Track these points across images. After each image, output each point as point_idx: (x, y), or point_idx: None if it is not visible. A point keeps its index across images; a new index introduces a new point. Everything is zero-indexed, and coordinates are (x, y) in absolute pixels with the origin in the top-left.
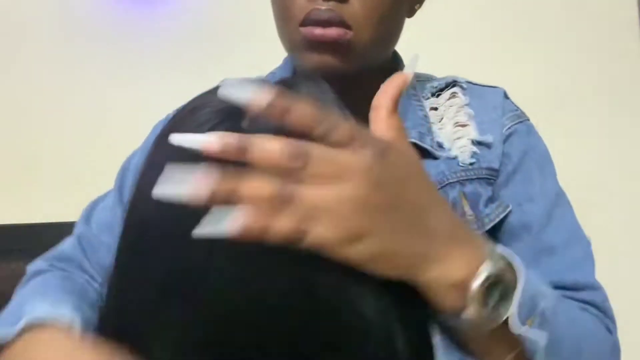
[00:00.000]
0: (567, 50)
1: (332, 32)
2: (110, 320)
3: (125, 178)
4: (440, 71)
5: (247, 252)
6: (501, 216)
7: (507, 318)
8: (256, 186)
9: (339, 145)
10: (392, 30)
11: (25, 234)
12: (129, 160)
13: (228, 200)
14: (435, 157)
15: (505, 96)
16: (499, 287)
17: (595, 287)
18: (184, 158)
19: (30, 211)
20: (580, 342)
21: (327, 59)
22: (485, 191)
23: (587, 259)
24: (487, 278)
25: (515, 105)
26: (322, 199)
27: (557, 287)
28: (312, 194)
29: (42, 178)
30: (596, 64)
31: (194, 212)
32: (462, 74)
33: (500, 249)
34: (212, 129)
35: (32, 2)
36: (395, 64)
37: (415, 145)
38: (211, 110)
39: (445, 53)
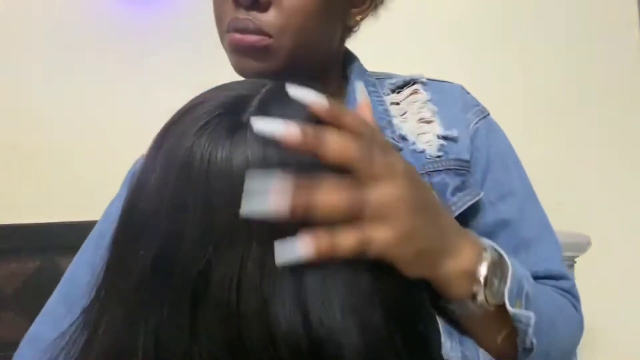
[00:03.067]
0: (567, 52)
1: (250, 37)
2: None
3: (105, 223)
4: (436, 72)
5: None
6: (469, 203)
7: (499, 307)
8: (331, 196)
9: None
10: (314, 38)
11: (25, 234)
12: (110, 206)
13: (306, 214)
14: (396, 149)
15: (464, 91)
16: (497, 271)
17: (566, 276)
18: (177, 163)
19: (31, 211)
20: (555, 318)
21: (247, 62)
22: (452, 181)
23: (557, 249)
24: (490, 264)
25: (476, 100)
26: (385, 199)
27: (532, 277)
28: (377, 195)
29: (42, 178)
30: (596, 64)
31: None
32: (460, 78)
33: (488, 241)
34: (209, 122)
35: (32, 2)
36: (348, 63)
37: None
38: (210, 104)
39: (442, 55)
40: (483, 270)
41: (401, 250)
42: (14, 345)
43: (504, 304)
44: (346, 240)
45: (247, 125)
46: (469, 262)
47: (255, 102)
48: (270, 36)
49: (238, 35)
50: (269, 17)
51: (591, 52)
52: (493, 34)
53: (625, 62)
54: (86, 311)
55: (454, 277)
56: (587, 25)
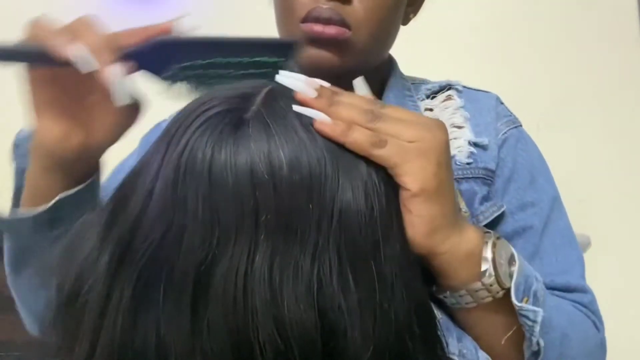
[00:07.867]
0: (567, 51)
1: (332, 29)
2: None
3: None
4: (441, 73)
5: None
6: (495, 214)
7: (504, 300)
8: (355, 101)
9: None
10: (389, 34)
11: None
12: (122, 164)
13: (330, 103)
14: None
15: (499, 101)
16: (503, 253)
17: (585, 290)
18: (180, 159)
19: None
20: (568, 329)
21: (324, 55)
22: (480, 190)
23: (578, 262)
24: (494, 244)
25: (509, 111)
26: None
27: (548, 288)
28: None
29: None
30: (596, 64)
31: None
32: (463, 76)
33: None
34: (213, 117)
35: (33, 2)
36: (390, 66)
37: None
38: (214, 102)
39: (447, 55)
40: (489, 250)
41: (420, 204)
42: (14, 345)
43: (510, 296)
44: (359, 133)
45: (250, 122)
46: (472, 244)
47: (258, 100)
48: (349, 29)
49: (319, 27)
50: (354, 8)
51: (591, 51)
52: (493, 31)
53: (626, 61)
54: (86, 303)
55: (454, 257)
56: (587, 25)
